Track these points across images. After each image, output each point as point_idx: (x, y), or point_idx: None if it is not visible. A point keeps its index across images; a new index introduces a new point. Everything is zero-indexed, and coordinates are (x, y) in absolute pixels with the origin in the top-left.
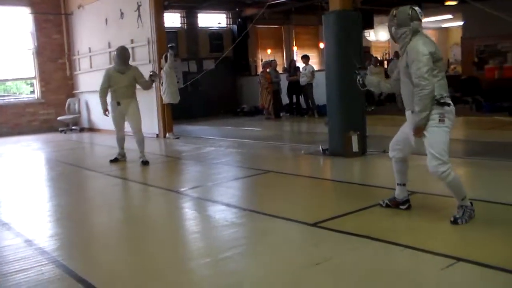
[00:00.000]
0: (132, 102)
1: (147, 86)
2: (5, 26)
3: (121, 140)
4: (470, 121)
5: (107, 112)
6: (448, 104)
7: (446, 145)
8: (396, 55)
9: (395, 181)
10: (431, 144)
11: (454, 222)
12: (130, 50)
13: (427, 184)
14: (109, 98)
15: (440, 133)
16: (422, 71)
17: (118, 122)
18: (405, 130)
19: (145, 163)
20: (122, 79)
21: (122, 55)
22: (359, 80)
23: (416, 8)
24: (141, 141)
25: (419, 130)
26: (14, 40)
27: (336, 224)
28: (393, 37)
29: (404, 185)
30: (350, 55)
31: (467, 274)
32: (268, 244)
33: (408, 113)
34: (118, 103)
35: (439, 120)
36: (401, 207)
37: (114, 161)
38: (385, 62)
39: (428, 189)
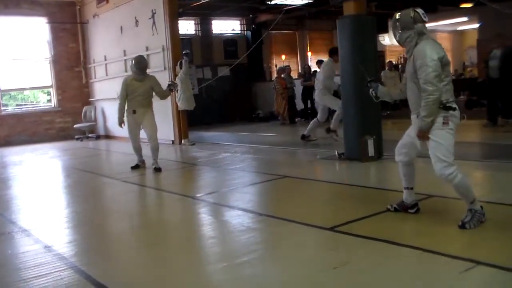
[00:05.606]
0: (147, 111)
1: (164, 95)
2: (22, 36)
3: (137, 149)
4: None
5: (122, 125)
6: (454, 109)
7: (451, 147)
8: None
9: (402, 185)
10: (435, 147)
11: (462, 226)
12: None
13: (444, 187)
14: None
15: (444, 135)
16: (430, 77)
17: (133, 131)
18: (411, 133)
19: (157, 170)
20: (139, 88)
21: (140, 63)
22: (371, 93)
23: (419, 9)
24: (155, 148)
25: (423, 134)
26: (31, 49)
27: (353, 228)
28: (399, 42)
29: (411, 188)
30: (361, 69)
31: (486, 277)
32: (285, 249)
33: (413, 116)
34: (134, 111)
35: (443, 123)
36: (409, 211)
37: (135, 167)
38: (400, 66)
39: (445, 192)
